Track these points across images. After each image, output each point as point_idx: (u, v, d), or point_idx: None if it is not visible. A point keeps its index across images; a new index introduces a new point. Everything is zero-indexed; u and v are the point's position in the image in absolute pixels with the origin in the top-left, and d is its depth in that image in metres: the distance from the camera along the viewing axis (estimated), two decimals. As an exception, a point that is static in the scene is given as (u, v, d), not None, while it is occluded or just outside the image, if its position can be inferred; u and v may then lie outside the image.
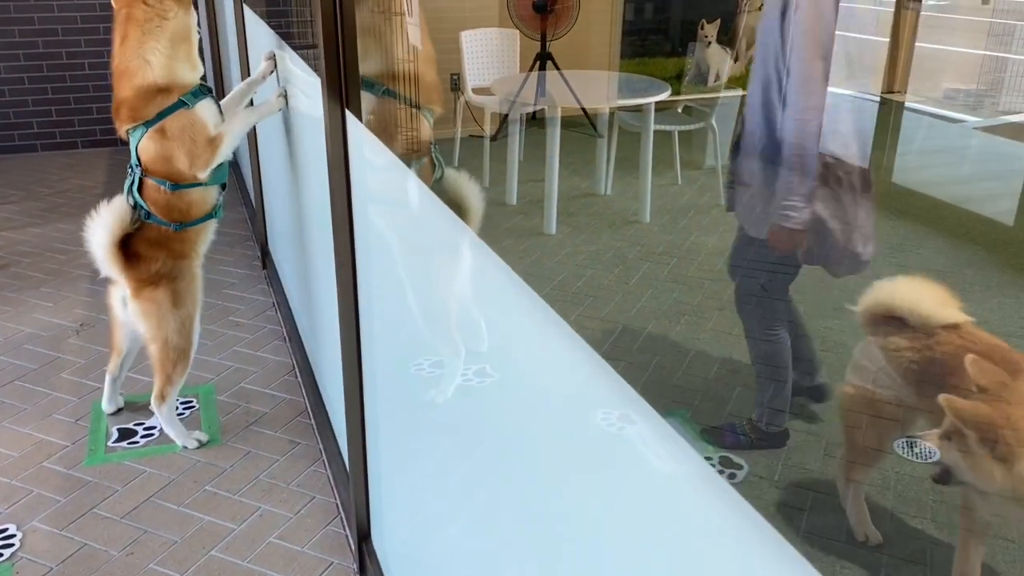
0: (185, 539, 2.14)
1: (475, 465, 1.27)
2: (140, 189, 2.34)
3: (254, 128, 3.44)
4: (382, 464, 1.85)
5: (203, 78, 2.38)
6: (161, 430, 2.56)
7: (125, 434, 2.57)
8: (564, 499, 0.96)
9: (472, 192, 1.78)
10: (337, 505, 2.26)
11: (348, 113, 1.64)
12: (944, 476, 1.51)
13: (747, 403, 2.62)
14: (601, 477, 0.87)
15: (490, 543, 1.25)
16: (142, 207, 2.35)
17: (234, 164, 5.01)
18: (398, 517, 1.79)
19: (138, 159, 2.33)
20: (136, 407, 2.70)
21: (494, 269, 1.07)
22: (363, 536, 2.03)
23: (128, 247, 2.35)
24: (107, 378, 2.64)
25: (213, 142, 2.35)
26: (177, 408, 2.68)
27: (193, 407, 2.70)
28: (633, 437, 0.80)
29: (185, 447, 2.51)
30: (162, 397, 2.48)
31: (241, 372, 2.90)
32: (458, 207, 1.75)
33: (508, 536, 1.16)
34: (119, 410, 2.68)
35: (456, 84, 5.21)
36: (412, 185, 1.39)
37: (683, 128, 4.61)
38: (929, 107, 6.11)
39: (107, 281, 2.46)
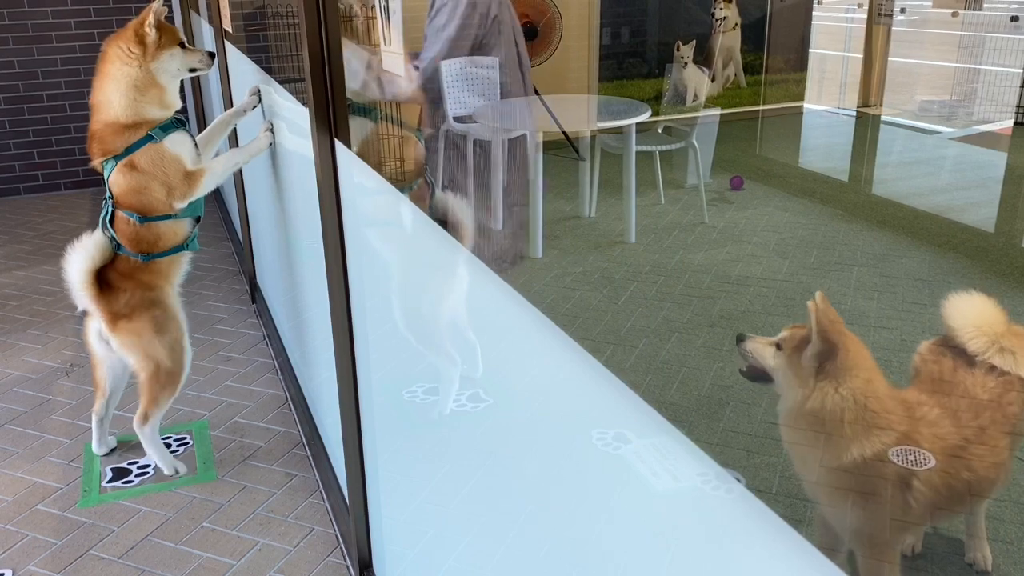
0: (184, 577, 2.11)
1: (479, 488, 1.27)
2: (112, 221, 2.35)
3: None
4: (381, 492, 1.85)
5: (182, 111, 2.39)
6: (155, 467, 2.54)
7: (119, 473, 2.54)
8: (570, 518, 0.97)
9: (464, 211, 1.80)
10: (337, 536, 2.24)
11: (337, 142, 1.65)
12: (755, 373, 1.73)
13: (742, 417, 2.63)
14: (608, 495, 0.87)
15: (496, 567, 1.24)
16: (114, 239, 2.36)
17: (219, 200, 5.02)
18: (400, 545, 1.78)
19: (111, 191, 2.35)
20: (129, 446, 2.68)
21: (497, 292, 1.08)
22: (364, 566, 2.01)
23: (102, 278, 2.36)
24: (94, 419, 2.61)
25: (191, 176, 2.36)
26: (171, 446, 2.67)
27: (187, 443, 2.68)
28: (644, 452, 0.80)
29: (176, 471, 2.52)
30: (145, 418, 2.47)
31: (234, 407, 2.89)
32: (449, 226, 1.76)
33: (515, 560, 1.16)
34: (111, 451, 2.66)
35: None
36: (406, 210, 1.40)
37: (664, 148, 4.66)
38: (905, 119, 6.20)
39: (86, 315, 2.46)
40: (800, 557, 0.62)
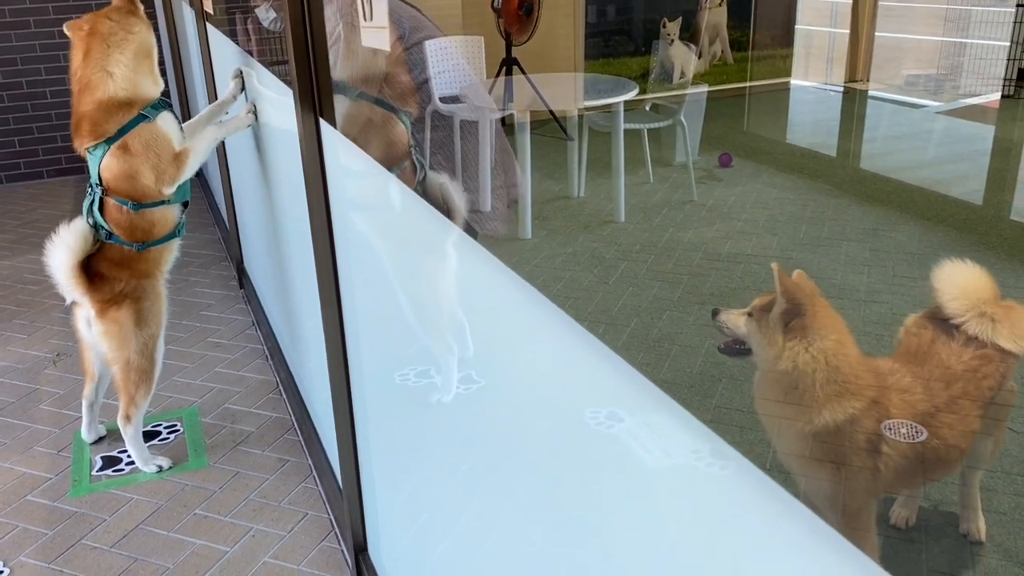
0: (177, 565, 2.10)
1: (473, 470, 1.25)
2: (101, 209, 2.30)
3: (224, 147, 3.42)
4: (375, 475, 1.84)
5: (164, 94, 2.36)
6: (146, 456, 2.52)
7: (109, 462, 2.52)
8: (566, 498, 0.96)
9: (455, 192, 1.78)
10: (331, 520, 2.23)
11: (322, 122, 1.63)
12: (732, 348, 1.79)
13: (734, 394, 2.63)
14: (604, 473, 0.86)
15: (492, 548, 1.23)
16: (103, 228, 2.30)
17: (204, 184, 4.97)
18: (395, 527, 1.78)
19: (99, 178, 2.28)
20: (118, 435, 2.65)
21: (490, 269, 1.06)
22: (359, 549, 2.00)
23: (90, 268, 2.31)
24: (84, 405, 2.59)
25: (178, 157, 2.32)
26: (161, 432, 2.64)
27: (178, 430, 2.66)
28: (641, 429, 0.79)
29: (159, 467, 2.48)
30: (127, 418, 2.44)
31: (224, 392, 2.87)
32: (442, 208, 1.74)
33: (511, 542, 1.15)
34: (101, 438, 2.64)
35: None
36: (394, 189, 1.38)
37: (652, 126, 4.64)
38: (891, 94, 6.20)
39: (74, 304, 2.43)
40: (805, 525, 0.61)
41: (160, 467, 2.48)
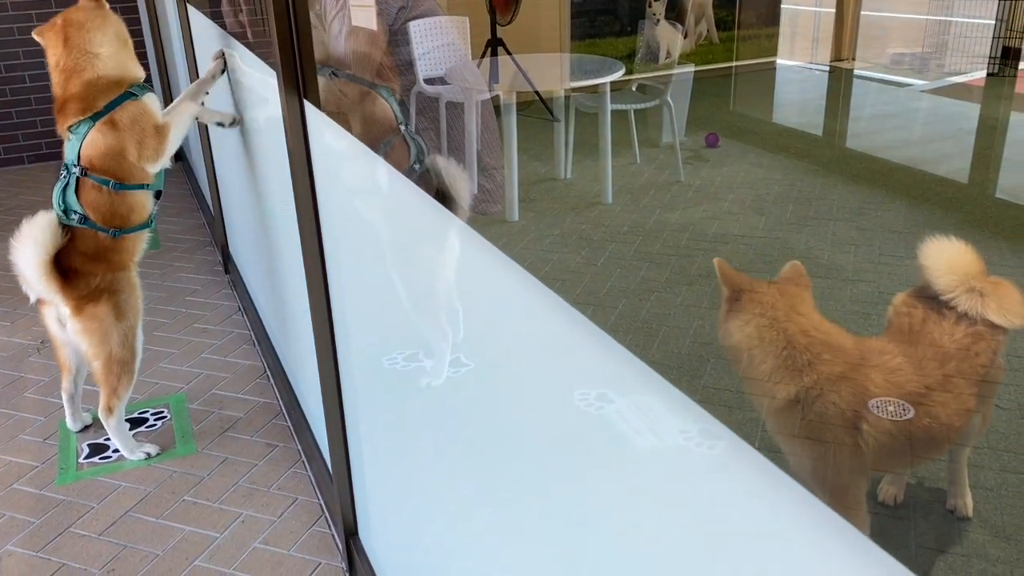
0: (167, 551, 2.09)
1: (464, 452, 1.25)
2: (77, 192, 2.25)
3: (207, 130, 3.38)
4: (365, 459, 1.83)
5: (147, 81, 2.34)
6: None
7: (96, 449, 2.51)
8: (558, 480, 0.95)
9: (460, 179, 1.76)
10: (321, 505, 2.23)
11: (307, 104, 1.61)
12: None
13: (723, 374, 2.63)
14: (595, 454, 0.85)
15: (483, 530, 1.23)
16: (75, 212, 2.25)
17: (188, 169, 4.92)
18: (385, 511, 1.77)
19: (77, 158, 2.24)
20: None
21: (479, 251, 1.05)
22: (350, 533, 2.00)
23: (62, 264, 2.25)
24: (64, 398, 2.56)
25: (161, 131, 2.30)
26: (148, 419, 2.63)
27: (165, 417, 2.64)
28: (632, 410, 0.79)
29: (147, 454, 2.46)
30: (110, 410, 2.41)
31: (211, 379, 2.85)
32: (445, 197, 1.72)
33: (502, 523, 1.15)
34: (86, 427, 2.62)
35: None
36: (381, 171, 1.36)
37: (639, 107, 4.62)
38: (877, 73, 6.19)
39: (39, 303, 2.37)
40: (802, 505, 0.60)
41: (148, 454, 2.46)
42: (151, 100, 2.30)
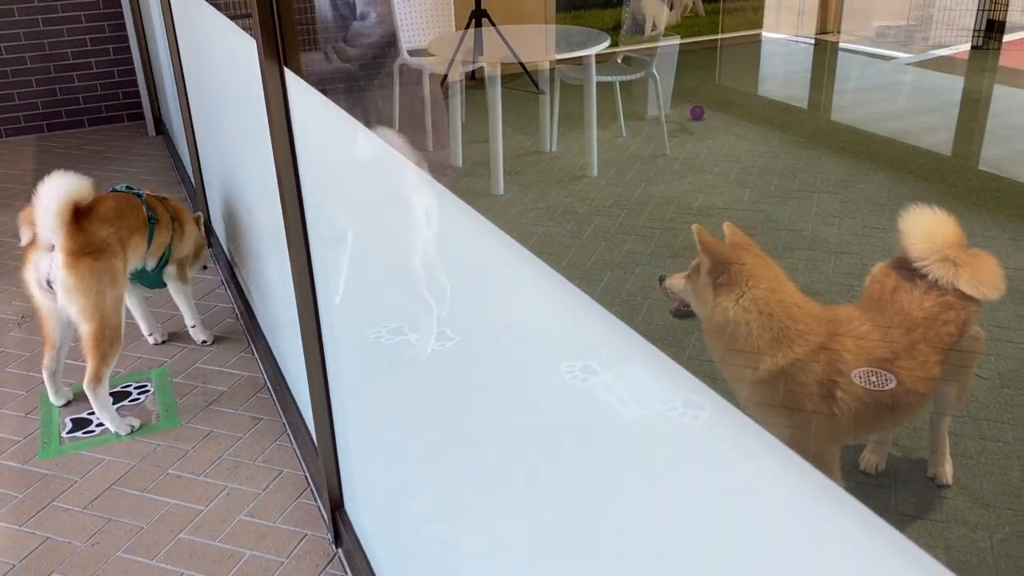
0: (152, 524, 2.09)
1: (449, 423, 1.25)
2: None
3: (187, 103, 3.33)
4: (350, 431, 1.83)
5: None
6: (117, 417, 2.49)
7: (79, 424, 2.49)
8: (545, 450, 0.95)
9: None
10: (306, 477, 2.23)
11: (288, 72, 1.58)
12: (681, 311, 1.82)
13: (705, 346, 2.64)
14: (585, 425, 0.85)
15: (469, 500, 1.23)
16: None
17: (169, 143, 4.86)
18: (371, 483, 1.77)
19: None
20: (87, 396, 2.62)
21: (465, 219, 1.05)
22: (336, 506, 2.00)
23: (77, 215, 2.31)
24: (45, 375, 2.54)
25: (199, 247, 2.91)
26: (131, 393, 2.61)
27: (148, 391, 2.63)
28: (622, 381, 0.78)
29: (131, 427, 2.46)
30: (98, 379, 2.39)
31: (195, 352, 2.83)
32: None
33: (487, 494, 1.15)
34: (68, 402, 2.60)
35: (393, 47, 5.10)
36: (365, 140, 1.34)
37: (624, 79, 4.60)
38: (862, 46, 6.18)
39: (24, 263, 2.36)
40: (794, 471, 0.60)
41: (132, 427, 2.45)
42: None
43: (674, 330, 2.79)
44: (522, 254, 0.91)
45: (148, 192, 2.69)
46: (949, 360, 1.76)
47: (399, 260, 1.32)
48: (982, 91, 4.97)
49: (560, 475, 0.92)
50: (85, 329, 2.35)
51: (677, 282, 1.82)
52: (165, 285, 2.83)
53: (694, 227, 1.74)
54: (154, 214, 2.61)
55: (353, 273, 1.56)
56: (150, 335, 2.91)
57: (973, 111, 4.65)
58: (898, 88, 5.43)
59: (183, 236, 2.78)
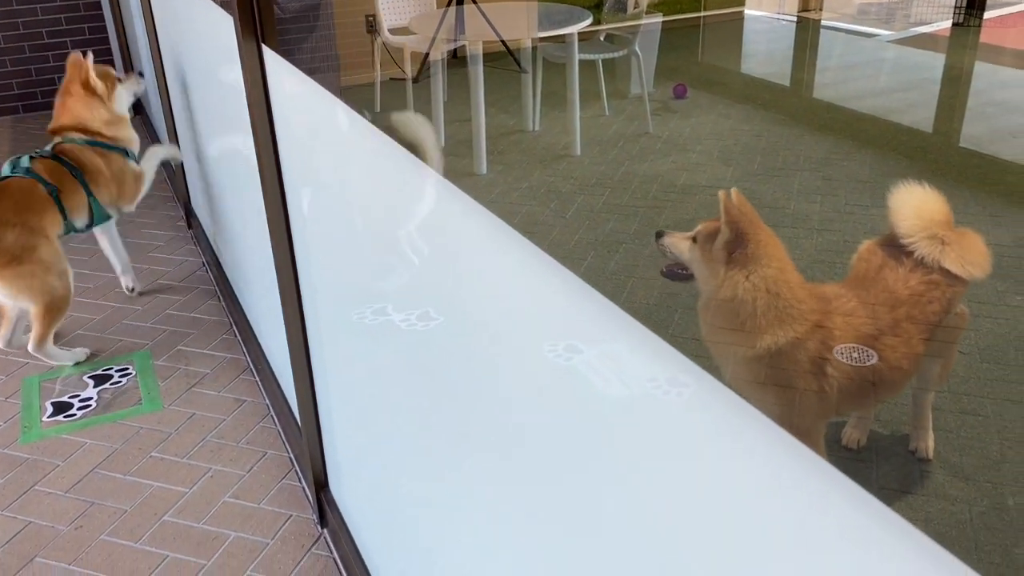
0: (135, 507, 2.08)
1: (434, 403, 1.24)
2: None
3: (165, 83, 3.29)
4: (334, 412, 1.82)
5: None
6: (98, 400, 2.47)
7: (60, 408, 2.47)
8: (531, 428, 0.95)
9: (426, 130, 1.72)
10: (290, 458, 2.22)
11: (266, 49, 1.56)
12: (674, 272, 1.81)
13: (690, 324, 2.65)
14: (570, 403, 0.85)
15: (453, 480, 1.23)
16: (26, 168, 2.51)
17: (148, 124, 4.80)
18: (355, 463, 1.77)
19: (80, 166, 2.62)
20: (68, 380, 2.60)
21: (448, 198, 1.04)
22: (320, 486, 2.00)
23: None
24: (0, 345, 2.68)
25: (138, 178, 2.80)
26: (112, 376, 2.59)
27: (129, 374, 2.61)
28: (605, 360, 0.78)
29: (84, 356, 2.67)
30: (41, 341, 2.55)
31: (176, 335, 2.81)
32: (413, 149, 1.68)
33: (473, 472, 1.15)
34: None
35: (372, 26, 5.05)
36: (346, 117, 1.33)
37: (607, 56, 4.57)
38: (844, 23, 6.18)
39: None
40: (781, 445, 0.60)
41: (85, 355, 2.66)
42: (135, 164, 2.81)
43: (658, 308, 2.80)
44: (506, 232, 0.90)
45: (35, 153, 2.60)
46: (934, 337, 1.77)
47: (382, 240, 1.31)
48: (963, 68, 4.99)
49: (545, 453, 0.92)
50: (37, 309, 2.50)
51: (679, 242, 1.79)
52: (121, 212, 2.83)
53: (721, 193, 1.71)
54: (52, 185, 2.53)
55: (335, 253, 1.55)
56: (125, 280, 3.01)
57: (954, 88, 4.67)
58: (879, 65, 5.44)
59: (100, 183, 2.67)
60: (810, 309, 1.65)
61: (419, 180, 1.11)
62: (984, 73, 4.90)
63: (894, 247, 1.82)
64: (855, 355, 1.68)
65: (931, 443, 2.06)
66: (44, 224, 2.48)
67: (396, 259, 1.27)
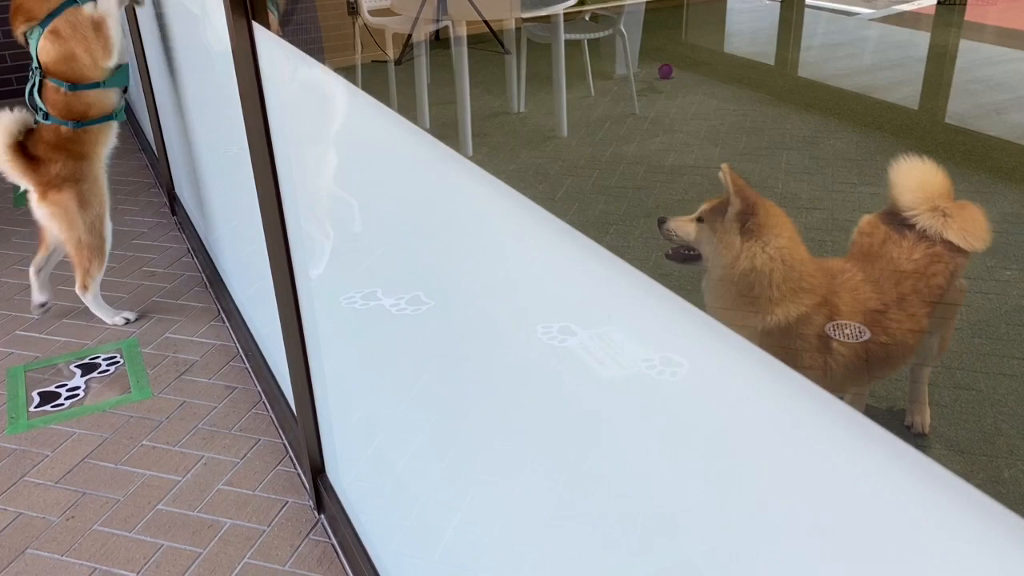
0: (128, 496, 2.05)
1: (431, 384, 1.22)
2: (40, 91, 2.47)
3: (145, 62, 3.23)
4: (330, 396, 1.80)
5: None
6: (86, 389, 2.43)
7: (47, 397, 2.43)
8: (526, 408, 0.93)
9: None
10: (284, 445, 2.20)
11: (257, 27, 1.52)
12: (681, 255, 1.79)
13: (691, 302, 2.64)
14: (567, 383, 0.83)
15: (453, 461, 1.22)
16: (41, 109, 2.48)
17: (127, 108, 4.72)
18: (353, 447, 1.75)
19: (39, 61, 2.46)
20: (56, 369, 2.55)
21: (456, 174, 1.01)
22: (317, 471, 1.98)
23: (28, 151, 2.48)
24: (31, 270, 2.74)
25: (99, 26, 2.46)
26: (100, 365, 2.55)
27: (118, 362, 2.57)
28: (593, 343, 0.76)
29: (127, 319, 2.76)
30: (85, 287, 2.68)
31: (164, 322, 2.77)
32: None
33: (473, 453, 1.13)
34: (45, 304, 2.79)
35: (353, 7, 4.99)
36: (343, 96, 1.30)
37: (592, 36, 4.54)
38: (827, 2, 6.18)
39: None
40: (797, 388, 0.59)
41: (127, 319, 2.73)
42: (89, 6, 2.45)
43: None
44: (520, 201, 0.88)
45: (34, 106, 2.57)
46: (936, 311, 1.77)
47: (382, 219, 1.28)
48: (948, 46, 4.99)
49: (545, 431, 0.90)
50: (67, 248, 2.63)
51: (684, 225, 1.78)
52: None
53: (724, 166, 1.69)
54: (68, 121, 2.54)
55: (330, 235, 1.52)
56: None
57: (939, 66, 4.68)
58: (863, 44, 5.44)
59: (75, 62, 2.49)
60: (819, 283, 1.64)
61: (422, 155, 1.08)
62: (967, 50, 4.92)
63: (896, 221, 1.82)
64: (859, 332, 1.68)
65: (927, 418, 2.07)
66: (86, 150, 2.56)
67: (395, 239, 1.24)
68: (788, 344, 1.64)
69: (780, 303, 1.62)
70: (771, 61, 5.17)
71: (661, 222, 1.82)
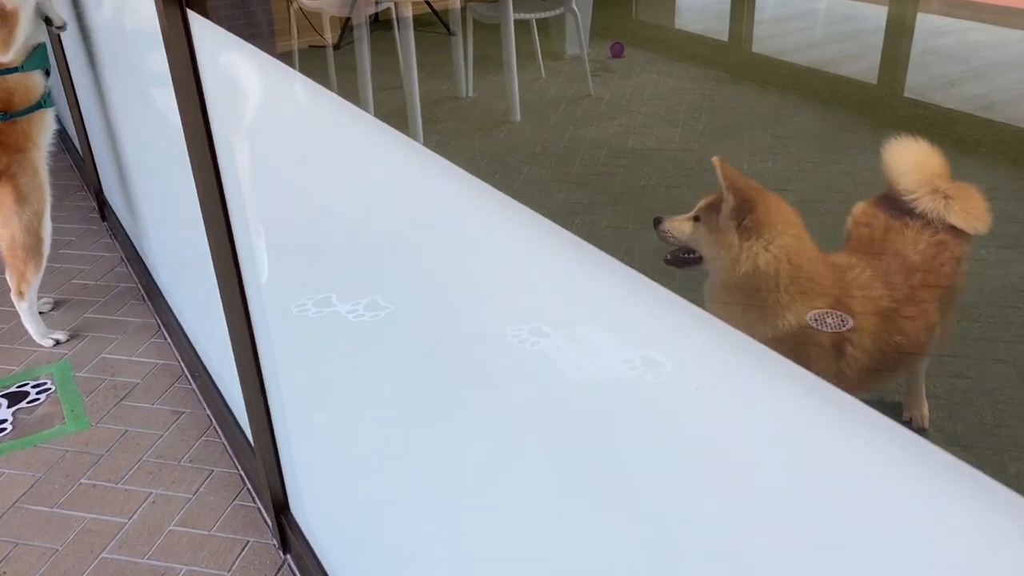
0: (67, 545, 1.83)
1: (402, 405, 1.10)
2: None
3: (63, 55, 2.96)
4: (290, 422, 1.62)
5: None
6: (14, 423, 2.20)
7: (-31, 433, 2.19)
8: (509, 423, 0.84)
9: None
10: (241, 476, 2.00)
11: (192, 14, 1.32)
12: (681, 258, 1.66)
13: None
14: (540, 392, 0.77)
15: (426, 491, 1.10)
16: None
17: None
18: (319, 479, 1.57)
19: None
20: (-23, 400, 2.31)
21: (419, 162, 0.86)
22: (280, 507, 1.79)
23: None
24: None
25: (8, 18, 2.28)
26: (28, 394, 2.31)
27: (49, 389, 2.33)
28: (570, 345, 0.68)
29: (56, 341, 2.53)
30: (20, 294, 2.49)
31: (99, 341, 2.53)
32: None
33: (447, 480, 1.03)
34: None
35: (288, -10, 4.73)
36: (288, 82, 1.11)
37: (542, 15, 4.37)
38: (773, -25, 6.10)
39: None
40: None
41: (57, 340, 2.50)
42: None
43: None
44: (487, 192, 0.76)
45: None
46: (943, 302, 1.67)
47: (337, 219, 1.12)
48: (905, 18, 4.95)
49: (519, 452, 0.84)
50: (1, 248, 2.45)
51: (681, 225, 1.64)
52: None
53: (715, 159, 1.55)
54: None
55: (283, 240, 1.34)
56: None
57: (898, 39, 4.62)
58: (814, 16, 5.37)
59: None
60: (830, 283, 1.51)
61: (380, 146, 0.93)
62: (918, 21, 4.87)
63: (894, 207, 1.70)
64: (844, 320, 1.57)
65: (926, 411, 1.98)
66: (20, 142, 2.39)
67: (349, 239, 1.09)
68: (801, 351, 1.52)
69: (790, 307, 1.49)
70: (724, 37, 5.07)
71: (657, 223, 1.68)
